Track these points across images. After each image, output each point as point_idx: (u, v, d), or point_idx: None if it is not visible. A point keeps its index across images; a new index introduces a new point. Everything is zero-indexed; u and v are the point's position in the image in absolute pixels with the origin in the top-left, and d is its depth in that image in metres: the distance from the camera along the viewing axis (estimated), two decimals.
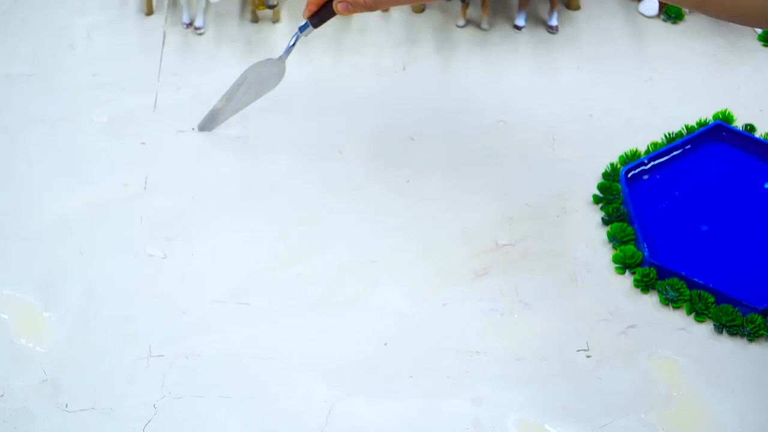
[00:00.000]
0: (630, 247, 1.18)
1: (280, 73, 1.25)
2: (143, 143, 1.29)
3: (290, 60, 1.40)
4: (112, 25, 1.43)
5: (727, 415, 1.07)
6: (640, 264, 1.17)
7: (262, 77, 1.25)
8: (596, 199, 1.24)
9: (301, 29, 1.20)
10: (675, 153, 1.28)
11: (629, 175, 1.25)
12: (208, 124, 1.30)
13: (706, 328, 1.14)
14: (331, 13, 1.17)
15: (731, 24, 1.44)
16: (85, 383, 1.08)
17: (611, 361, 1.11)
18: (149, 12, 1.44)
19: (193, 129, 1.31)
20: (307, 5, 1.19)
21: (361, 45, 1.41)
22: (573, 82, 1.37)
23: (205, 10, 1.43)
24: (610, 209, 1.22)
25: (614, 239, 1.20)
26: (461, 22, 1.43)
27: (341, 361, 1.10)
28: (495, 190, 1.25)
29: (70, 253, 1.19)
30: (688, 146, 1.28)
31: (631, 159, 1.26)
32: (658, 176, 1.26)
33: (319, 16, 1.19)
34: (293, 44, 1.22)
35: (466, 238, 1.20)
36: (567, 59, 1.40)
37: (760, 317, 1.12)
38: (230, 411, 1.06)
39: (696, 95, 1.35)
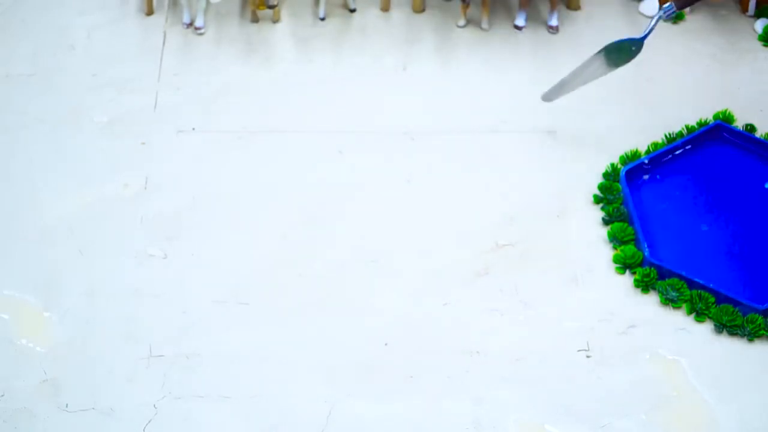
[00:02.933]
0: (630, 247, 1.18)
1: (636, 52, 1.24)
2: (143, 143, 1.29)
3: (290, 60, 1.40)
4: (112, 25, 1.43)
5: (727, 415, 1.07)
6: (641, 264, 1.17)
7: (619, 53, 1.24)
8: (596, 199, 1.24)
9: (665, 11, 1.20)
10: (675, 153, 1.28)
11: (629, 175, 1.25)
12: (553, 94, 1.28)
13: (707, 328, 1.14)
14: None
15: (731, 24, 1.44)
16: (85, 383, 1.08)
17: (611, 361, 1.11)
18: (149, 12, 1.43)
19: (193, 129, 1.31)
20: None
21: (361, 45, 1.41)
22: None
23: (206, 11, 1.43)
24: (611, 209, 1.22)
25: (615, 239, 1.20)
26: (461, 22, 1.43)
27: (341, 361, 1.10)
28: (495, 190, 1.25)
29: (70, 253, 1.18)
30: (689, 146, 1.28)
31: (631, 159, 1.26)
32: (658, 176, 1.26)
33: None
34: (654, 25, 1.22)
35: (467, 238, 1.20)
36: (567, 59, 1.40)
37: (760, 317, 1.12)
38: (230, 411, 1.06)
39: (696, 95, 1.35)
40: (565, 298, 1.16)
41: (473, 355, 1.11)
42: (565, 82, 1.27)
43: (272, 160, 1.28)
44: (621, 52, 1.24)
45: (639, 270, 1.17)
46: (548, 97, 1.29)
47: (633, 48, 1.23)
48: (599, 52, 1.24)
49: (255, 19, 1.44)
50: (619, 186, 1.23)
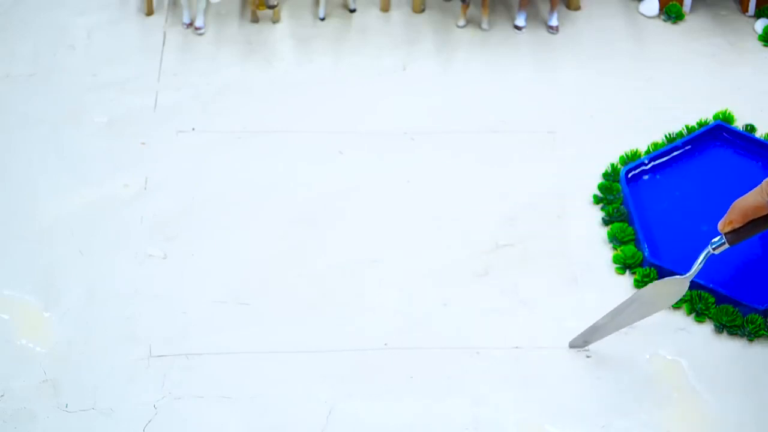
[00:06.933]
0: (630, 248, 1.18)
1: (681, 292, 1.07)
2: (143, 143, 1.29)
3: (290, 60, 1.40)
4: (112, 25, 1.43)
5: (727, 415, 1.07)
6: (641, 264, 1.17)
7: (659, 296, 1.08)
8: (596, 200, 1.24)
9: (713, 245, 1.05)
10: (675, 153, 1.28)
11: (629, 175, 1.25)
12: (585, 339, 1.11)
13: (707, 328, 1.14)
14: (756, 230, 1.00)
15: (731, 24, 1.44)
16: (85, 383, 1.08)
17: (611, 361, 1.11)
18: (149, 12, 1.44)
19: (193, 129, 1.31)
20: (729, 219, 1.01)
21: (361, 45, 1.41)
22: (573, 82, 1.37)
23: (206, 11, 1.43)
24: (611, 209, 1.22)
25: (614, 239, 1.20)
26: (461, 22, 1.43)
27: (341, 361, 1.10)
28: (495, 190, 1.25)
29: (70, 253, 1.18)
30: (689, 146, 1.28)
31: (631, 159, 1.26)
32: (658, 176, 1.26)
33: (739, 233, 1.01)
34: (702, 261, 1.06)
35: (466, 238, 1.20)
36: (567, 59, 1.40)
37: (760, 317, 1.12)
38: (230, 411, 1.06)
39: (696, 95, 1.35)
40: (565, 298, 1.16)
41: (473, 355, 1.11)
42: (598, 327, 1.10)
43: (272, 160, 1.28)
44: (661, 292, 1.08)
45: (639, 270, 1.17)
46: (576, 343, 1.12)
47: (675, 287, 1.07)
48: (636, 294, 1.08)
49: (255, 19, 1.44)
50: (619, 186, 1.23)
